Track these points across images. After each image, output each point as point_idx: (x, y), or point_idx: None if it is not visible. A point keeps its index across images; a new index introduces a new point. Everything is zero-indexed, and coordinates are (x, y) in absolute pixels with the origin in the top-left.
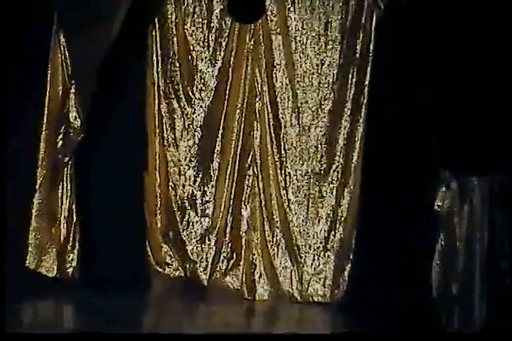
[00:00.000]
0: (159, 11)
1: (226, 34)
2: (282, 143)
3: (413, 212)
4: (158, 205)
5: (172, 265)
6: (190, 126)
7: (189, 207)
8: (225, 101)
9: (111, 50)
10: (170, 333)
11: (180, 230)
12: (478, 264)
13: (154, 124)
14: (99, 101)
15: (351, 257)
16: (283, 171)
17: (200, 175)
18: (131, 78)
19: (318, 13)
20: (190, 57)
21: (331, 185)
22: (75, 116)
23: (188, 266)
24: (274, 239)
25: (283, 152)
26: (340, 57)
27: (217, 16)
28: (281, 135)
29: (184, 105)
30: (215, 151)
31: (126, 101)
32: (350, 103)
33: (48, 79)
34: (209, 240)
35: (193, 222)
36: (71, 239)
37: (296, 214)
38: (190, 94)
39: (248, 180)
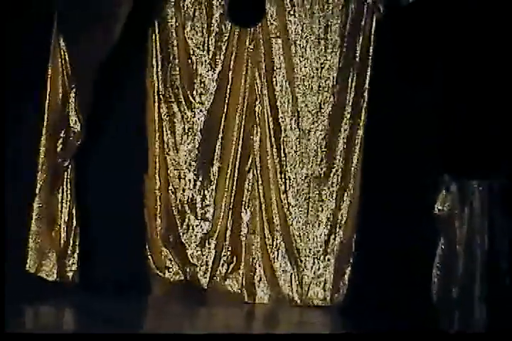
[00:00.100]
0: (159, 14)
1: (226, 38)
2: (282, 147)
3: (413, 215)
4: (158, 209)
5: (172, 269)
6: (191, 129)
7: (189, 211)
8: (225, 105)
9: (111, 52)
10: (168, 333)
11: (180, 234)
12: (478, 267)
13: (154, 128)
14: (99, 105)
15: (351, 261)
16: (283, 175)
17: (200, 179)
18: (131, 81)
19: (318, 16)
20: (190, 60)
21: (331, 189)
22: (75, 120)
23: (188, 269)
24: (274, 242)
25: (283, 155)
26: (340, 61)
27: (217, 20)
28: (281, 138)
29: (184, 109)
30: (215, 155)
31: (126, 104)
32: (350, 106)
33: (48, 83)
34: (209, 244)
35: (193, 226)
36: (71, 243)
37: (296, 217)
38: (190, 97)
39: (248, 183)
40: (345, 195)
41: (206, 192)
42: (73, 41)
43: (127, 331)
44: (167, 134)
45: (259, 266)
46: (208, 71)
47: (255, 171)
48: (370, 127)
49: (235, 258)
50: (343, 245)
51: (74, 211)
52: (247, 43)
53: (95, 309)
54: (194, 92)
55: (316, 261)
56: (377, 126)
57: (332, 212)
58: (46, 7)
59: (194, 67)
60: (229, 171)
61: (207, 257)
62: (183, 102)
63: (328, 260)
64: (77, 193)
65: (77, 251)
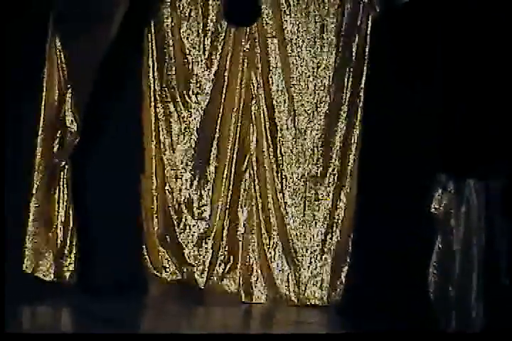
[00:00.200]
0: (155, 14)
1: (222, 38)
2: (278, 146)
3: (410, 214)
4: (155, 209)
5: (169, 268)
6: (187, 129)
7: (186, 211)
8: (221, 105)
9: (107, 52)
10: (165, 333)
11: (177, 234)
12: (475, 267)
13: (151, 128)
14: (96, 105)
15: (348, 260)
16: (279, 174)
17: (197, 179)
18: (127, 81)
19: (314, 16)
20: (186, 60)
21: (328, 188)
22: (72, 120)
23: (185, 269)
24: (271, 242)
25: (279, 155)
26: (336, 60)
27: (212, 20)
28: (278, 138)
29: (180, 109)
30: (212, 155)
31: (122, 104)
32: (346, 106)
33: (44, 83)
34: (206, 243)
35: (189, 226)
36: (68, 243)
37: (292, 217)
38: (187, 97)
39: (245, 183)
40: (342, 194)
41: (203, 191)
42: (69, 41)
43: (125, 331)
44: (163, 134)
45: (256, 265)
46: (203, 71)
47: (252, 171)
48: (366, 126)
49: (232, 258)
50: (340, 244)
51: (71, 211)
52: (243, 43)
53: (92, 309)
54: (190, 92)
55: (313, 260)
56: (374, 125)
57: (329, 211)
58: (45, 7)
59: (190, 67)
60: (225, 171)
61: (204, 257)
62: (180, 102)
63: (325, 259)
64: (73, 193)
65: (74, 252)
